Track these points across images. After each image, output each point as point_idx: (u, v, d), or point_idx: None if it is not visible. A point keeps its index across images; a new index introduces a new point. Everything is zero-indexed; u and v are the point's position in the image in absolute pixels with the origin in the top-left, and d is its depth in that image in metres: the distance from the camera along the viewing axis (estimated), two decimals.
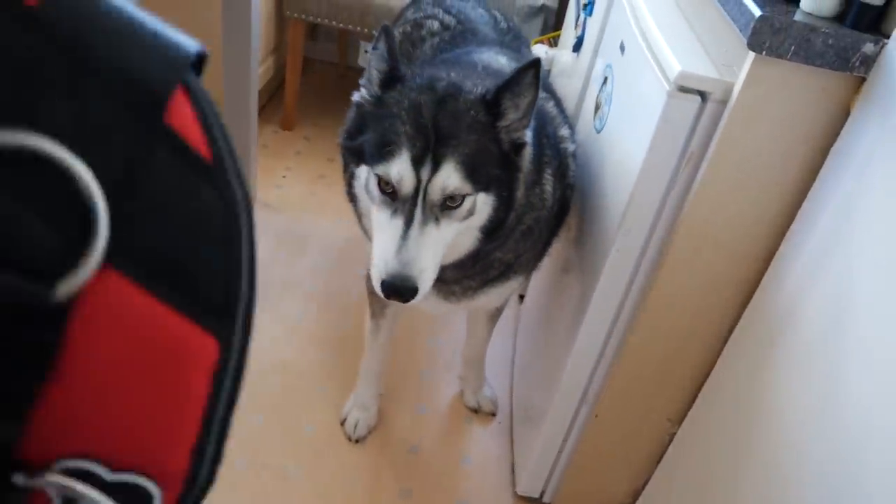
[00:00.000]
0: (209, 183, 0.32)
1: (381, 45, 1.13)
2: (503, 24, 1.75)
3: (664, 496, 1.38)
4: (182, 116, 0.31)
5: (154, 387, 0.32)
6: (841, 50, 0.94)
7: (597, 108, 1.49)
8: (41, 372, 0.29)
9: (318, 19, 2.66)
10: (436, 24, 1.66)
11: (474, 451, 1.79)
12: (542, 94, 1.17)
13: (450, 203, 1.09)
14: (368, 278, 1.30)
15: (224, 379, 0.34)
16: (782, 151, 1.05)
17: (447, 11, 1.69)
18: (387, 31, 1.13)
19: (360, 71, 1.22)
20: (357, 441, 1.72)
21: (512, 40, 1.71)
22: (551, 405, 1.46)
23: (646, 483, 1.46)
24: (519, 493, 1.66)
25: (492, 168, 1.11)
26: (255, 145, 2.35)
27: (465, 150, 1.07)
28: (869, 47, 0.93)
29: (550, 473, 1.58)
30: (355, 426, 1.73)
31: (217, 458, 0.35)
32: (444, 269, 1.25)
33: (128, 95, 0.29)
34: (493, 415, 1.88)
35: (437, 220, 1.09)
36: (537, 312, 1.87)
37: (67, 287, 0.28)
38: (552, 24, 3.06)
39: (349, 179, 1.28)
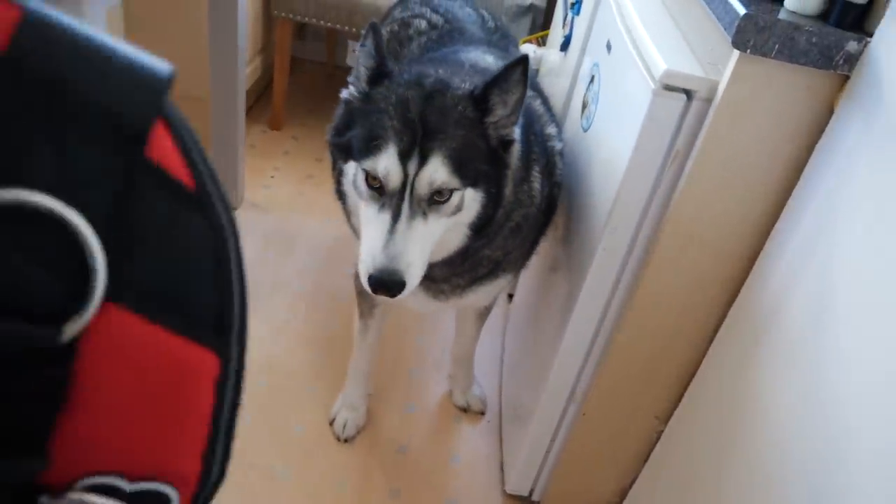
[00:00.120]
0: (195, 211, 0.33)
1: (369, 42, 1.14)
2: (491, 24, 1.75)
3: (651, 494, 1.38)
4: (162, 148, 0.32)
5: (163, 404, 0.34)
6: (825, 48, 0.94)
7: (584, 106, 1.49)
8: (56, 406, 0.30)
9: (306, 19, 2.65)
10: (423, 24, 1.66)
11: (463, 450, 1.79)
12: (529, 93, 1.17)
13: (437, 198, 1.09)
14: (357, 277, 1.30)
15: (226, 387, 0.36)
16: (768, 150, 1.05)
17: (435, 10, 1.69)
18: (374, 28, 1.13)
19: (348, 70, 1.22)
20: (346, 441, 1.72)
21: (499, 39, 1.71)
22: (539, 404, 1.46)
23: (633, 481, 1.46)
24: (508, 492, 1.66)
25: (479, 163, 1.11)
26: (242, 145, 2.34)
27: (452, 145, 1.07)
28: (852, 46, 0.94)
29: (539, 472, 1.59)
30: (344, 426, 1.73)
31: (226, 456, 0.38)
32: (433, 267, 1.25)
33: (108, 135, 0.30)
34: (482, 413, 1.89)
35: (424, 214, 1.09)
36: (526, 311, 1.87)
37: (73, 328, 0.29)
38: (540, 23, 3.06)
39: (338, 177, 1.27)
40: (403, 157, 1.06)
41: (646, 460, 1.42)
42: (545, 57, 2.06)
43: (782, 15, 0.96)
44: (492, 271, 1.35)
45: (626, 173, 1.13)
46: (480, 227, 1.17)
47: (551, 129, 1.43)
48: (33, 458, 0.31)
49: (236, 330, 0.35)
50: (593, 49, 1.58)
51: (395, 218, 1.08)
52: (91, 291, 0.30)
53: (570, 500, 1.57)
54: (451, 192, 1.09)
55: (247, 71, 2.46)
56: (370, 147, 1.08)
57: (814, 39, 0.94)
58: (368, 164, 1.09)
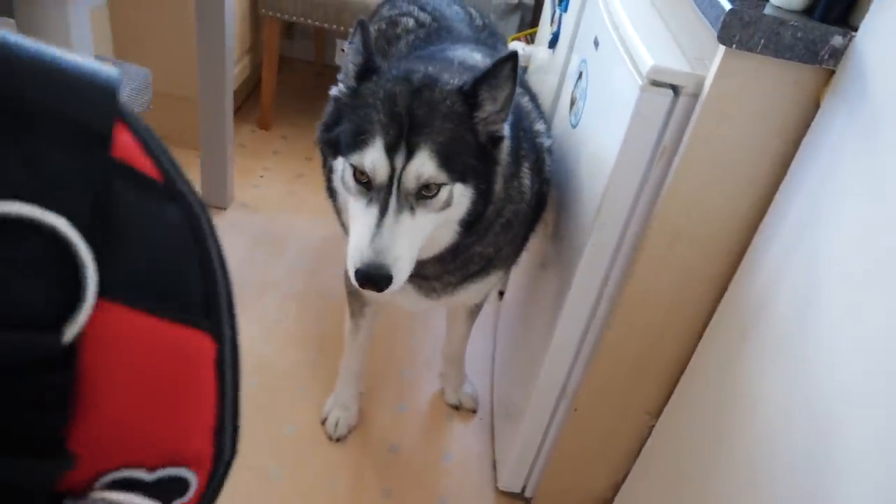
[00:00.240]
0: (168, 200, 0.34)
1: (357, 39, 1.14)
2: (479, 21, 1.75)
3: (643, 488, 1.39)
4: (126, 146, 0.33)
5: (169, 391, 0.35)
6: (810, 43, 0.95)
7: (572, 103, 1.49)
8: (66, 407, 0.32)
9: (294, 18, 2.64)
10: (411, 22, 1.66)
11: (455, 448, 1.79)
12: (517, 90, 1.17)
13: (425, 192, 1.08)
14: (347, 277, 1.29)
15: (225, 366, 0.37)
16: (755, 145, 1.05)
17: (422, 9, 1.69)
18: (362, 25, 1.13)
19: (336, 69, 1.22)
20: (338, 440, 1.72)
21: (488, 37, 1.71)
22: (531, 401, 1.46)
23: (625, 476, 1.47)
24: (500, 489, 1.66)
25: (468, 158, 1.11)
26: (231, 145, 2.34)
27: (439, 139, 1.07)
28: (837, 40, 0.94)
29: (531, 468, 1.59)
30: (336, 425, 1.72)
31: (235, 433, 0.39)
32: (424, 265, 1.25)
33: (75, 140, 0.31)
34: (474, 411, 1.89)
35: (412, 209, 1.08)
36: (517, 308, 1.88)
37: (72, 330, 0.30)
38: (529, 20, 3.07)
39: (328, 174, 1.27)
40: (390, 151, 1.06)
41: (637, 455, 1.42)
42: (533, 54, 2.06)
43: (768, 10, 0.97)
44: (483, 268, 1.35)
45: (614, 169, 1.14)
46: (471, 224, 1.17)
47: (540, 126, 1.43)
48: (58, 459, 0.32)
49: (225, 309, 0.36)
50: (581, 46, 1.59)
51: (383, 212, 1.07)
52: (84, 292, 0.30)
53: (563, 496, 1.58)
54: (439, 186, 1.09)
55: (235, 70, 2.45)
56: (357, 141, 1.08)
57: (799, 34, 0.94)
58: (355, 158, 1.08)
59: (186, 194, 0.35)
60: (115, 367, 0.33)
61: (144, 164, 0.33)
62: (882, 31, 0.89)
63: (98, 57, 1.54)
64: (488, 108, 1.11)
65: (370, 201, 1.09)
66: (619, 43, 1.21)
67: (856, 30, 0.93)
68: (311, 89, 3.31)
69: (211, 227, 0.36)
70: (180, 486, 0.36)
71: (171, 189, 0.34)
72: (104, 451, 0.34)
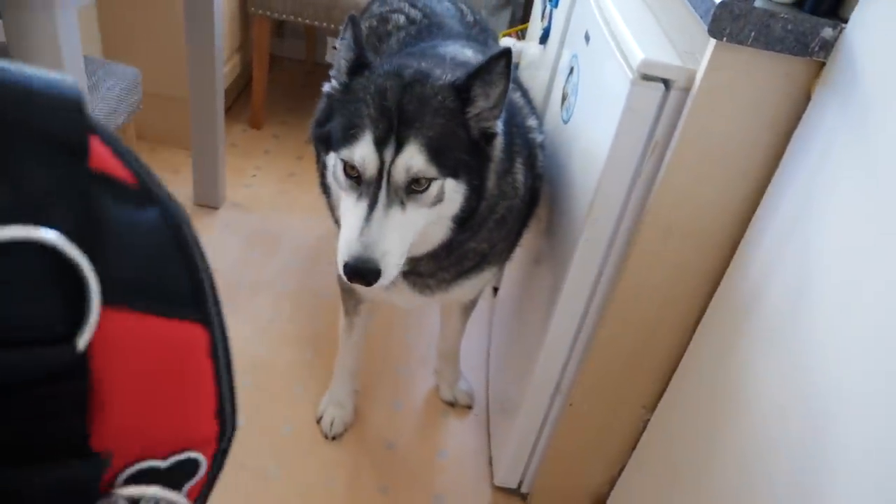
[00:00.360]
0: (146, 204, 0.36)
1: (348, 35, 1.14)
2: (470, 18, 1.75)
3: (640, 482, 1.39)
4: (100, 156, 0.34)
5: (173, 381, 0.38)
6: (800, 35, 0.95)
7: (563, 98, 1.49)
8: (84, 410, 0.34)
9: (284, 16, 2.63)
10: (402, 19, 1.66)
11: (451, 445, 1.79)
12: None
13: (415, 187, 1.08)
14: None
15: (218, 350, 0.39)
16: (746, 138, 1.06)
17: (413, 5, 1.68)
18: (353, 21, 1.13)
19: (327, 67, 1.22)
20: (334, 438, 1.72)
21: (479, 33, 1.71)
22: (526, 396, 1.46)
23: (621, 470, 1.47)
24: (496, 485, 1.66)
25: (459, 154, 1.11)
26: (223, 145, 2.33)
27: (429, 133, 1.07)
28: (827, 32, 0.94)
29: (527, 464, 1.59)
30: (331, 424, 1.72)
31: (234, 411, 0.42)
32: (418, 262, 1.25)
33: (54, 156, 0.32)
34: (470, 408, 1.89)
35: (402, 203, 1.08)
36: (511, 304, 1.88)
37: (84, 339, 0.32)
38: (520, 16, 3.06)
39: (322, 170, 1.27)
40: (380, 145, 1.06)
41: (633, 449, 1.42)
42: (525, 50, 2.06)
43: (758, 3, 0.97)
44: (477, 265, 1.35)
45: (607, 164, 1.14)
46: (464, 220, 1.17)
47: (532, 122, 1.43)
48: (95, 458, 0.35)
49: (210, 298, 0.39)
50: (572, 41, 1.59)
51: (372, 206, 1.07)
52: (89, 301, 0.32)
53: (559, 491, 1.58)
54: (430, 181, 1.08)
55: (225, 70, 2.44)
56: (347, 136, 1.08)
57: (789, 26, 0.95)
58: (345, 152, 1.08)
59: (161, 196, 0.36)
60: (122, 367, 0.35)
61: (120, 172, 0.35)
62: (872, 23, 0.89)
63: (87, 58, 1.53)
64: (481, 105, 1.11)
65: (360, 195, 1.09)
66: (610, 37, 1.21)
67: (846, 21, 0.94)
68: (301, 88, 3.30)
69: (188, 224, 0.38)
70: (192, 467, 0.40)
71: (147, 193, 0.36)
72: (122, 447, 0.36)
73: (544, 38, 1.90)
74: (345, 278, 1.10)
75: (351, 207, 1.10)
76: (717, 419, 1.10)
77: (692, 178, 1.10)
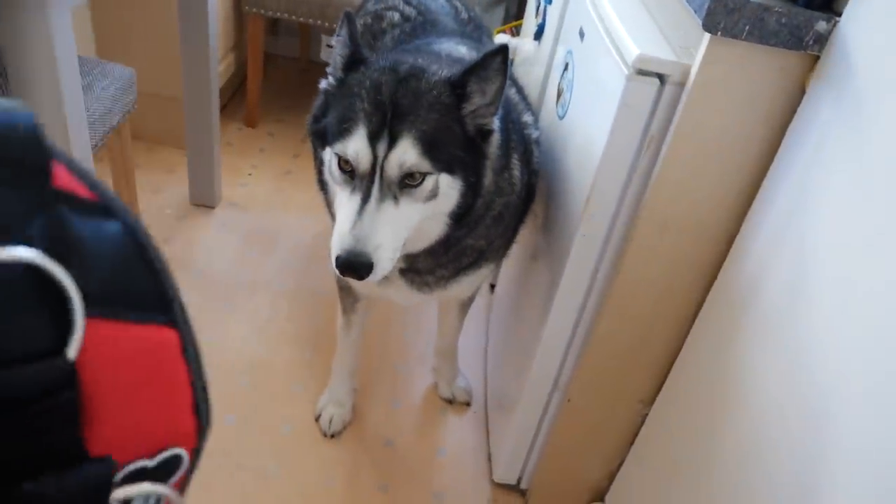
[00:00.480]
0: (107, 217, 0.38)
1: (344, 31, 1.15)
2: (464, 15, 1.75)
3: (639, 476, 1.40)
4: (61, 175, 0.36)
5: (154, 384, 0.40)
6: (794, 28, 0.95)
7: (559, 94, 1.49)
8: (77, 419, 0.36)
9: (278, 14, 2.63)
10: (396, 16, 1.66)
11: (450, 442, 1.79)
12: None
13: (409, 181, 1.08)
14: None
15: (189, 351, 0.41)
16: (742, 132, 1.06)
17: (407, 3, 1.68)
18: (349, 17, 1.13)
19: (322, 65, 1.22)
20: (332, 437, 1.72)
21: (473, 30, 1.71)
22: (524, 392, 1.46)
23: (620, 465, 1.47)
24: (495, 481, 1.67)
25: (454, 150, 1.10)
26: (218, 144, 2.32)
27: (423, 127, 1.07)
28: (822, 25, 0.94)
29: (526, 460, 1.59)
30: (330, 422, 1.72)
31: (208, 406, 0.44)
32: (416, 259, 1.25)
33: (20, 179, 0.33)
34: (468, 405, 1.89)
35: (395, 198, 1.08)
36: (508, 300, 1.88)
37: (72, 351, 0.34)
38: (514, 13, 3.06)
39: (319, 167, 1.27)
40: (373, 139, 1.06)
41: (631, 444, 1.43)
42: (519, 46, 2.06)
43: None
44: (475, 261, 1.35)
45: (602, 159, 1.14)
46: (461, 217, 1.17)
47: (527, 118, 1.43)
48: (95, 463, 0.37)
49: (176, 301, 0.40)
50: (566, 37, 1.59)
51: (365, 200, 1.07)
52: (73, 313, 0.34)
53: (558, 486, 1.58)
54: (424, 175, 1.08)
55: (220, 68, 2.44)
56: (341, 130, 1.09)
57: (783, 20, 0.95)
58: (339, 146, 1.09)
59: (119, 209, 0.39)
60: (108, 375, 0.37)
61: (80, 189, 0.37)
62: (865, 16, 0.89)
63: (81, 58, 1.52)
64: (476, 101, 1.11)
65: (354, 189, 1.09)
66: (605, 33, 1.21)
67: (840, 15, 0.94)
68: (296, 86, 3.30)
69: (145, 234, 0.40)
70: (175, 462, 0.42)
71: (107, 207, 0.38)
72: (116, 451, 0.38)
73: (539, 35, 1.90)
74: (337, 272, 1.10)
75: (345, 202, 1.10)
76: (715, 413, 1.10)
77: (688, 173, 1.10)
